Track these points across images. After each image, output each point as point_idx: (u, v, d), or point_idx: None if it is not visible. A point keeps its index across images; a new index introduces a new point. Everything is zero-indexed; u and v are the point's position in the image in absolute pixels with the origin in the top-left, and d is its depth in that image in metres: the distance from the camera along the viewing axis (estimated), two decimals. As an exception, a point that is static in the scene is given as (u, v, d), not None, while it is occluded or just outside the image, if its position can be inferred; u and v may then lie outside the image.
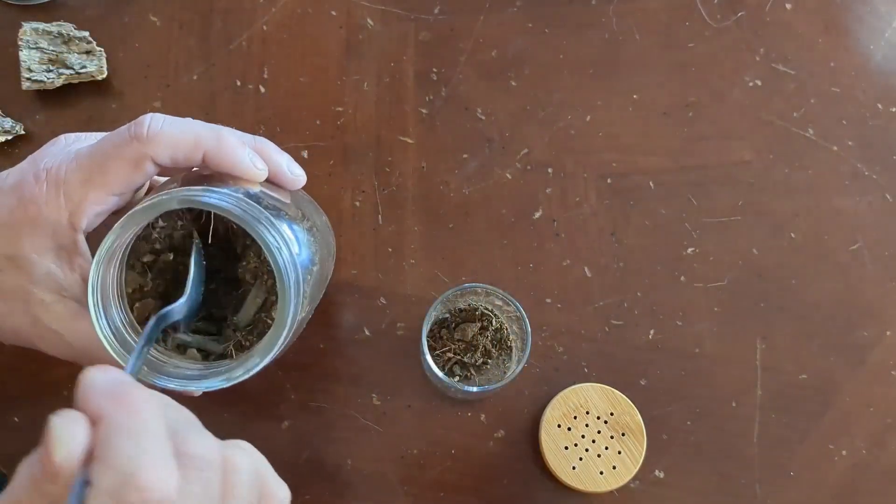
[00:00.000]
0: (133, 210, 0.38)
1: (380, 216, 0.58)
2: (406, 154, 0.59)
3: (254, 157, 0.42)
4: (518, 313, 0.51)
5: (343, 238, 0.58)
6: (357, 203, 0.58)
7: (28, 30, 0.58)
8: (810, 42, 0.63)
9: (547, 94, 0.61)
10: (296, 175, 0.44)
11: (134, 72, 0.60)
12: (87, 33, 0.59)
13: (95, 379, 0.33)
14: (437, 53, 0.61)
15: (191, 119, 0.42)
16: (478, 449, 0.55)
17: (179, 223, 0.45)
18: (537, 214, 0.59)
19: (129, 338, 0.41)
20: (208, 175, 0.42)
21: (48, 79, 0.57)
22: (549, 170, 0.60)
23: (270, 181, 0.44)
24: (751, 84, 0.62)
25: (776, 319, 0.58)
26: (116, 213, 0.42)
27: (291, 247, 0.40)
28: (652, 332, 0.57)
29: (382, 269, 0.57)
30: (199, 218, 0.45)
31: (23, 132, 0.58)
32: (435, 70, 0.61)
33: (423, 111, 0.60)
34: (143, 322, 0.43)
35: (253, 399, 0.55)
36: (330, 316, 0.56)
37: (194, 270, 0.43)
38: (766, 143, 0.61)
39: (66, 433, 0.31)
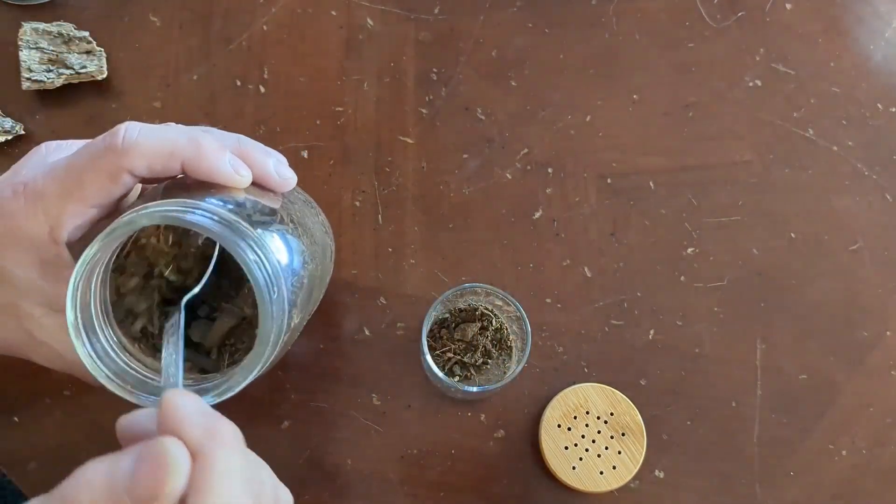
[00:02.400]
0: (103, 233, 0.36)
1: (380, 216, 0.58)
2: (406, 154, 0.59)
3: (236, 162, 0.40)
4: (518, 313, 0.51)
5: (343, 238, 0.58)
6: (357, 203, 0.58)
7: (28, 30, 0.58)
8: (810, 42, 0.63)
9: (547, 94, 0.61)
10: (284, 178, 0.43)
11: (134, 72, 0.60)
12: (87, 33, 0.59)
13: (187, 407, 0.34)
14: (437, 53, 0.61)
15: (170, 125, 0.41)
16: (478, 449, 0.55)
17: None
18: (537, 214, 0.59)
19: (119, 360, 0.40)
20: (191, 182, 0.41)
21: (48, 79, 0.57)
22: (549, 170, 0.60)
23: (258, 185, 0.42)
24: (751, 84, 0.62)
25: (776, 319, 0.58)
26: (102, 221, 0.41)
27: (279, 257, 0.39)
28: (652, 332, 0.57)
29: (382, 269, 0.57)
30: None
31: (23, 132, 0.58)
32: (435, 70, 0.61)
33: (423, 111, 0.60)
34: (139, 336, 0.42)
35: (253, 399, 0.55)
36: (330, 316, 0.56)
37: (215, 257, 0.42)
38: (766, 143, 0.61)
39: (181, 463, 0.31)
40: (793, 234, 0.59)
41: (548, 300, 0.57)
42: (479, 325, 0.55)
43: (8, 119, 0.58)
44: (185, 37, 0.61)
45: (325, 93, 0.60)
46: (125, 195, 0.41)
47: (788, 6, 0.63)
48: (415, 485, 0.54)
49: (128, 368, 0.40)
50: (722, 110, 0.61)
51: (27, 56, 0.57)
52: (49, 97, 0.59)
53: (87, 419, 0.54)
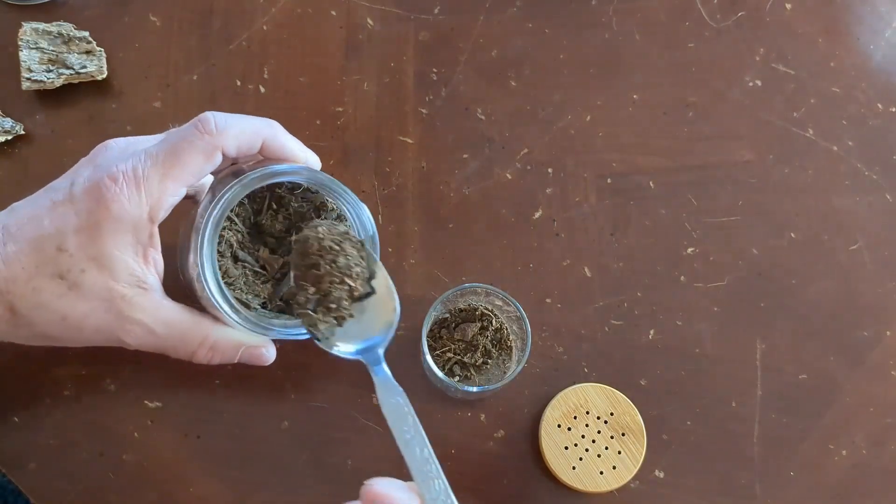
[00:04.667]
0: (236, 182, 0.45)
1: (380, 216, 0.58)
2: (406, 154, 0.59)
3: (301, 144, 0.50)
4: (518, 313, 0.51)
5: (343, 238, 0.57)
6: (357, 203, 0.58)
7: (28, 30, 0.58)
8: (810, 42, 0.63)
9: (547, 94, 0.61)
10: (317, 160, 0.52)
11: (134, 72, 0.60)
12: (87, 33, 0.59)
13: (393, 495, 0.40)
14: (437, 53, 0.61)
15: (244, 115, 0.47)
16: (478, 449, 0.55)
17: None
18: (537, 214, 0.59)
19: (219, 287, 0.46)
20: (250, 168, 0.47)
21: (48, 79, 0.57)
22: (549, 170, 0.60)
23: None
24: (751, 84, 0.62)
25: (776, 319, 0.58)
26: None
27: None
28: (652, 332, 0.57)
29: (382, 269, 0.57)
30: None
31: (23, 132, 0.58)
32: (435, 70, 0.61)
33: (423, 111, 0.60)
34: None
35: (253, 399, 0.55)
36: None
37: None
38: (766, 143, 0.61)
39: None
40: (793, 234, 0.59)
41: (548, 300, 0.57)
42: (479, 325, 0.55)
43: (8, 119, 0.58)
44: (185, 37, 0.61)
45: (325, 93, 0.60)
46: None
47: (788, 6, 0.63)
48: (415, 485, 0.54)
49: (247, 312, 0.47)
50: (722, 110, 0.61)
51: (27, 56, 0.57)
52: (49, 97, 0.59)
53: (87, 419, 0.54)
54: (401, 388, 0.44)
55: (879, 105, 0.62)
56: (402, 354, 0.56)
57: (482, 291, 0.52)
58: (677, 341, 0.57)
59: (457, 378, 0.54)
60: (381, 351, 0.46)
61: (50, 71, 0.58)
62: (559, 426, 0.53)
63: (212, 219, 0.45)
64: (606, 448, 0.53)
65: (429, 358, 0.50)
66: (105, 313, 0.44)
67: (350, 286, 0.46)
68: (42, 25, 0.58)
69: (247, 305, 0.47)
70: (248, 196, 0.48)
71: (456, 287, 0.51)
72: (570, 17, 0.62)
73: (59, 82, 0.58)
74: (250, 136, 0.46)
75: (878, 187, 0.60)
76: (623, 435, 0.53)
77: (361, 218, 0.49)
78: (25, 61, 0.57)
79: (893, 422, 0.56)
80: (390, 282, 0.47)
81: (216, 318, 0.47)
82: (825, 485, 0.55)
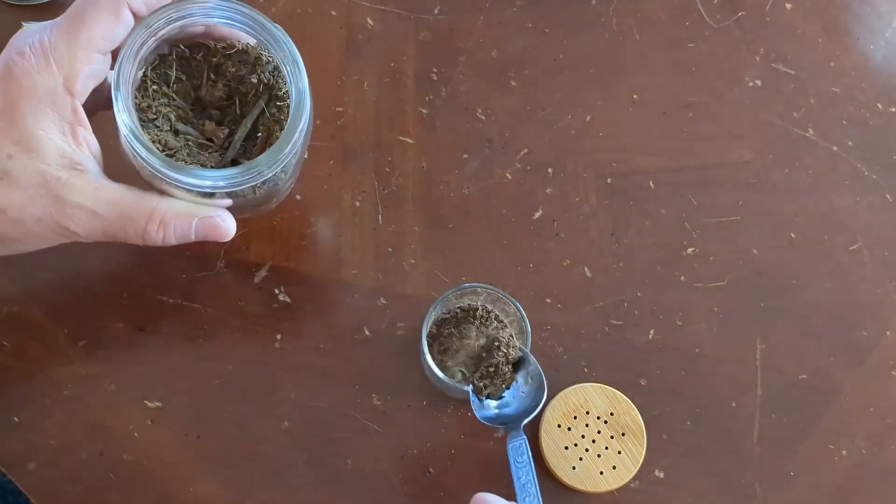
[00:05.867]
0: (141, 21, 0.43)
1: (380, 216, 0.58)
2: (406, 154, 0.59)
3: None
4: (518, 313, 0.51)
5: (343, 238, 0.58)
6: (357, 203, 0.58)
7: (28, 30, 0.58)
8: (810, 42, 0.63)
9: (547, 94, 0.61)
10: None
11: (134, 72, 0.60)
12: (87, 33, 0.59)
13: None
14: (437, 53, 0.61)
15: None
16: (478, 449, 0.55)
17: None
18: (537, 214, 0.59)
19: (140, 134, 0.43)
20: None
21: (48, 79, 0.57)
22: (549, 170, 0.60)
23: None
24: (751, 84, 0.62)
25: (776, 319, 0.58)
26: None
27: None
28: (652, 332, 0.57)
29: (382, 269, 0.57)
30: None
31: (23, 132, 0.58)
32: (435, 70, 0.61)
33: (423, 111, 0.60)
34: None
35: (253, 399, 0.55)
36: (330, 316, 0.56)
37: None
38: (766, 143, 0.61)
39: None
40: (793, 234, 0.59)
41: (548, 300, 0.57)
42: (479, 325, 0.55)
43: (8, 119, 0.58)
44: (185, 37, 0.61)
45: (325, 93, 0.60)
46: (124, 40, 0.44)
47: (788, 6, 0.63)
48: (414, 485, 0.54)
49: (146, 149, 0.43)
50: (722, 110, 0.61)
51: (27, 56, 0.57)
52: (49, 97, 0.59)
53: (87, 419, 0.54)
54: (524, 434, 0.51)
55: (879, 105, 0.62)
56: (402, 354, 0.56)
57: (482, 291, 0.52)
58: (677, 341, 0.57)
59: (457, 378, 0.54)
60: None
61: (50, 71, 0.58)
62: (559, 426, 0.53)
63: (120, 67, 0.43)
64: (606, 448, 0.53)
65: (429, 358, 0.50)
66: (43, 199, 0.41)
67: (504, 352, 0.51)
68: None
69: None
70: (184, 71, 0.47)
71: (456, 287, 0.51)
72: (570, 17, 0.62)
73: (59, 82, 0.57)
74: None
75: (878, 187, 0.60)
76: (623, 435, 0.53)
77: (294, 70, 0.46)
78: (25, 61, 0.57)
79: (893, 422, 0.56)
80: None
81: (162, 193, 0.45)
82: (825, 485, 0.55)
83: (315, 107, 0.60)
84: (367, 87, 0.61)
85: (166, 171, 0.43)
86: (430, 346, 0.52)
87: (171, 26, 0.44)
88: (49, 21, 0.44)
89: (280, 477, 0.54)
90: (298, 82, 0.45)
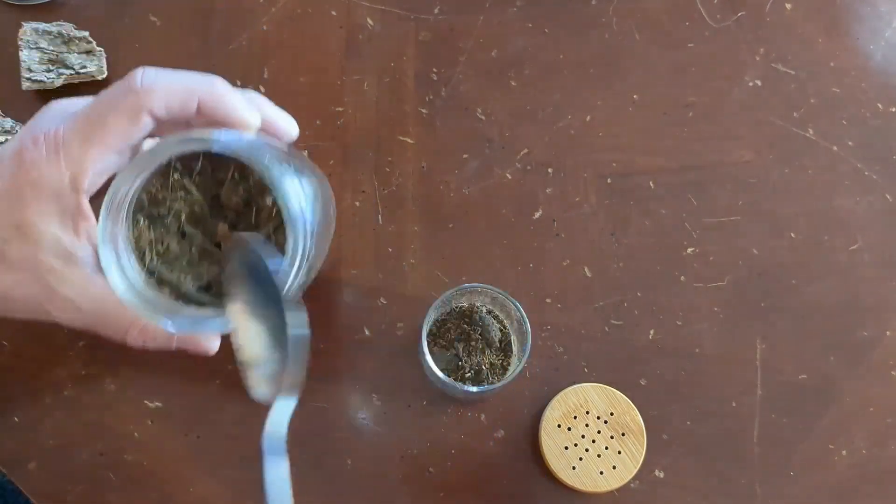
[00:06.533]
0: (137, 156, 0.38)
1: (380, 216, 0.58)
2: (406, 154, 0.59)
3: (249, 103, 0.42)
4: (518, 313, 0.51)
5: (343, 238, 0.58)
6: (357, 203, 0.58)
7: (28, 30, 0.58)
8: (810, 42, 0.63)
9: (547, 94, 0.61)
10: (290, 123, 0.45)
11: (134, 72, 0.60)
12: (87, 33, 0.59)
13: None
14: (437, 53, 0.61)
15: (184, 71, 0.42)
16: (478, 449, 0.55)
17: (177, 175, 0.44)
18: (537, 214, 0.59)
19: (136, 278, 0.41)
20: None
21: (48, 79, 0.57)
22: (549, 170, 0.60)
23: (265, 131, 0.44)
24: (751, 84, 0.62)
25: (776, 319, 0.58)
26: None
27: (299, 193, 0.40)
28: (652, 332, 0.57)
29: (382, 269, 0.57)
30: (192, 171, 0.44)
31: (23, 132, 0.58)
32: (435, 70, 0.61)
33: (423, 111, 0.60)
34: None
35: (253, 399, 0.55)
36: (330, 316, 0.56)
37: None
38: (766, 143, 0.61)
39: None
40: (793, 234, 0.59)
41: (548, 300, 0.57)
42: (479, 325, 0.55)
43: (8, 119, 0.58)
44: (185, 37, 0.61)
45: (325, 93, 0.60)
46: (143, 140, 0.42)
47: (788, 6, 0.63)
48: (415, 485, 0.54)
49: (154, 295, 0.41)
50: (722, 110, 0.61)
51: (27, 56, 0.57)
52: (49, 97, 0.59)
53: (87, 419, 0.54)
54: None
55: (879, 105, 0.62)
56: (402, 354, 0.56)
57: (482, 291, 0.52)
58: (677, 341, 0.57)
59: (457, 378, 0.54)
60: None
61: (50, 71, 0.58)
62: (559, 426, 0.53)
63: (108, 200, 0.39)
64: (606, 448, 0.53)
65: (429, 358, 0.50)
66: (33, 284, 0.41)
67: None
68: (42, 25, 0.58)
69: (177, 288, 0.43)
70: (212, 165, 0.43)
71: (456, 287, 0.51)
72: (570, 17, 0.62)
73: (59, 82, 0.58)
74: (182, 95, 0.41)
75: (878, 187, 0.60)
76: (623, 435, 0.53)
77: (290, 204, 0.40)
78: (25, 61, 0.57)
79: (893, 422, 0.56)
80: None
81: None
82: (825, 485, 0.55)
83: (315, 107, 0.60)
84: (367, 87, 0.61)
85: (135, 306, 0.41)
86: (429, 345, 0.52)
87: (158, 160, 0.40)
88: (73, 101, 0.43)
89: (280, 477, 0.54)
90: (299, 243, 0.39)
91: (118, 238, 0.40)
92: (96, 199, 0.42)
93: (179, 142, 0.38)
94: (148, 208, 0.43)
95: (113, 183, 0.38)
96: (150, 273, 0.42)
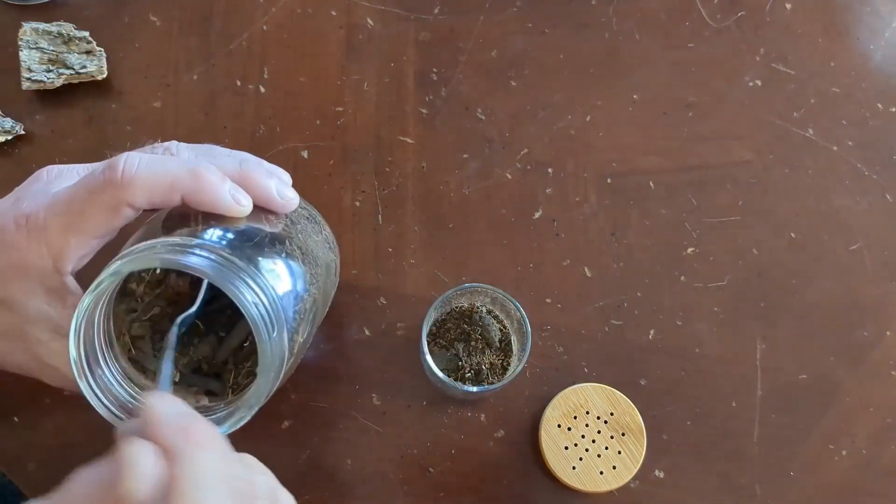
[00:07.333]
0: (93, 285, 0.37)
1: (380, 216, 0.58)
2: (406, 154, 0.59)
3: (236, 192, 0.41)
4: (518, 313, 0.51)
5: (343, 238, 0.57)
6: (357, 203, 0.58)
7: (28, 30, 0.58)
8: (810, 42, 0.63)
9: (547, 94, 0.61)
10: (287, 199, 0.43)
11: (134, 72, 0.60)
12: (87, 33, 0.59)
13: (164, 411, 0.34)
14: (437, 53, 0.61)
15: (168, 158, 0.41)
16: (478, 449, 0.55)
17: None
18: (537, 214, 0.59)
19: (122, 392, 0.40)
20: (193, 210, 0.41)
21: (48, 79, 0.57)
22: (549, 170, 0.60)
23: (260, 207, 0.42)
24: (751, 84, 0.62)
25: (776, 319, 0.58)
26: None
27: (280, 285, 0.39)
28: (652, 332, 0.57)
29: (382, 269, 0.57)
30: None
31: (23, 132, 0.58)
32: (435, 70, 0.61)
33: (423, 111, 0.60)
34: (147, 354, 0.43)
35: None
36: (330, 316, 0.56)
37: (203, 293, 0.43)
38: (766, 143, 0.61)
39: (139, 463, 0.31)
40: (793, 234, 0.59)
41: (548, 300, 0.57)
42: (479, 325, 0.55)
43: (8, 119, 0.58)
44: (185, 37, 0.61)
45: (325, 93, 0.60)
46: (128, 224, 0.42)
47: (788, 6, 0.63)
48: (415, 485, 0.54)
49: (132, 399, 0.40)
50: (722, 110, 0.61)
51: (27, 56, 0.57)
52: (49, 97, 0.59)
53: (87, 419, 0.54)
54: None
55: (879, 105, 0.62)
56: (402, 354, 0.56)
57: (482, 291, 0.52)
58: (677, 341, 0.57)
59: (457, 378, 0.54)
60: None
61: (50, 71, 0.58)
62: (559, 426, 0.53)
63: (81, 304, 0.37)
64: (606, 448, 0.53)
65: (429, 358, 0.50)
66: (23, 353, 0.42)
67: None
68: (42, 25, 0.58)
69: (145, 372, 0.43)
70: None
71: (456, 287, 0.51)
72: (570, 16, 0.62)
73: (59, 82, 0.58)
74: (165, 189, 0.39)
75: (878, 187, 0.60)
76: (623, 435, 0.53)
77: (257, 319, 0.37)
78: (25, 61, 0.57)
79: (893, 422, 0.56)
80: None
81: None
82: (825, 485, 0.55)
83: (315, 107, 0.60)
84: (367, 87, 0.61)
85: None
86: (429, 345, 0.52)
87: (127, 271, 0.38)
88: (74, 171, 0.43)
89: (280, 477, 0.54)
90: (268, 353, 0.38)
91: (94, 339, 0.39)
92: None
93: (129, 261, 0.37)
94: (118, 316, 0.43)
95: (77, 306, 0.37)
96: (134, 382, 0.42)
